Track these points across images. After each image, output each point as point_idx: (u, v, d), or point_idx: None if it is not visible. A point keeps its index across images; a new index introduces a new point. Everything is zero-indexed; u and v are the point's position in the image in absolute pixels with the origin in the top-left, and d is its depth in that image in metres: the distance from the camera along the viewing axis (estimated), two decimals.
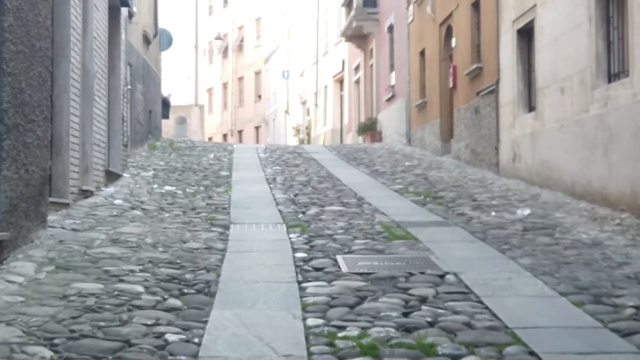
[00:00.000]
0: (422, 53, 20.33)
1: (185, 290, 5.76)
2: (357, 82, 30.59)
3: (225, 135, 57.21)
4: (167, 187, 12.39)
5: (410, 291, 5.81)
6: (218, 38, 48.75)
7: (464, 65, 16.16)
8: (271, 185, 13.02)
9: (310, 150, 20.68)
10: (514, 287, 5.95)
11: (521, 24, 12.66)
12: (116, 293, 5.54)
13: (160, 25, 24.65)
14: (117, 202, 10.31)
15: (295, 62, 43.62)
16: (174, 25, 39.92)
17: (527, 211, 9.52)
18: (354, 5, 26.88)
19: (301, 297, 5.67)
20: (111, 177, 12.78)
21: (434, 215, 9.66)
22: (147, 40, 20.38)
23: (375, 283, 6.08)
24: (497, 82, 13.79)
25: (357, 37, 28.29)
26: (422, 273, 6.40)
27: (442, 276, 6.31)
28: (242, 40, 54.39)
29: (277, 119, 47.95)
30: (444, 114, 18.33)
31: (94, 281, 5.87)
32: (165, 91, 26.91)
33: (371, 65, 27.72)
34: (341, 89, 34.73)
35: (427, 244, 7.67)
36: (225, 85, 57.23)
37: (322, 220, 9.27)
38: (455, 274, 6.33)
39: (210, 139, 58.72)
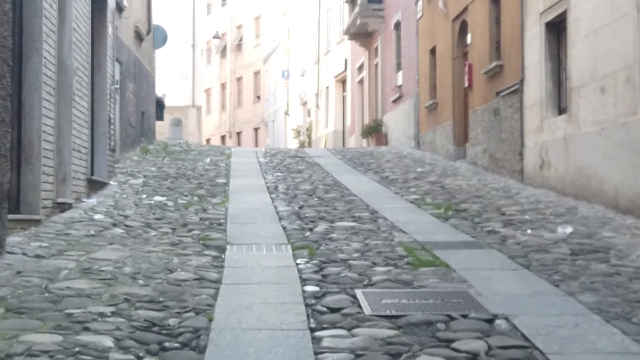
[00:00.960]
0: (433, 51, 19.06)
1: (166, 344, 4.48)
2: (361, 82, 29.35)
3: (223, 137, 55.99)
4: (157, 198, 11.11)
5: (455, 344, 4.54)
6: (216, 37, 47.51)
7: (482, 63, 14.89)
8: (273, 195, 11.75)
9: (313, 155, 19.43)
10: (585, 338, 4.67)
11: (551, 16, 11.40)
12: (77, 350, 4.27)
13: (155, 21, 23.44)
14: (97, 216, 9.02)
15: (295, 62, 42.38)
16: (171, 23, 38.64)
17: (568, 229, 8.25)
18: (358, 1, 25.61)
19: (316, 353, 4.40)
20: (95, 186, 11.51)
21: (461, 234, 8.39)
22: (139, 37, 19.12)
23: (409, 331, 4.82)
24: (522, 81, 12.52)
25: (361, 35, 27.03)
26: (464, 316, 5.12)
27: (490, 321, 5.03)
28: (240, 40, 53.15)
29: (276, 120, 46.70)
30: (457, 115, 17.08)
31: (52, 330, 4.59)
32: (159, 91, 25.66)
33: (376, 65, 26.46)
34: (343, 90, 33.48)
35: (462, 272, 6.40)
36: (223, 86, 56.00)
37: (332, 239, 8.00)
38: (506, 318, 5.05)
39: (208, 140, 57.51)
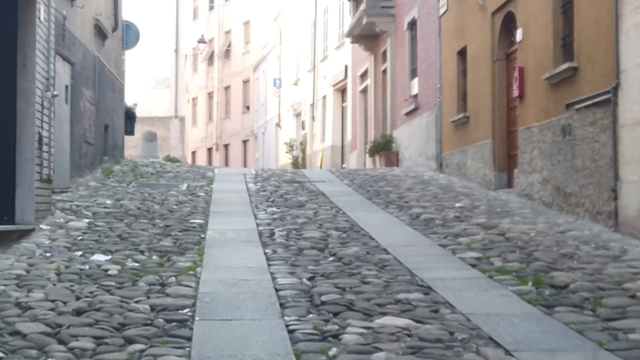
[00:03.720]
0: (462, 53, 15.56)
1: None
2: (364, 91, 25.82)
3: (210, 150, 52.51)
4: (97, 257, 7.51)
5: None
6: (201, 41, 43.89)
7: (540, 65, 11.38)
8: (267, 251, 8.16)
9: (314, 178, 15.87)
10: None
11: None
12: None
13: (127, 17, 19.96)
14: None
15: (288, 70, 38.86)
16: (152, 27, 35.20)
17: None
18: None
19: None
20: (9, 237, 7.91)
21: (602, 351, 4.83)
22: (101, 34, 15.54)
23: None
24: (615, 89, 8.99)
25: (367, 37, 23.50)
26: None
27: None
28: (229, 46, 49.62)
29: (267, 132, 43.14)
30: (498, 133, 13.56)
31: None
32: (132, 100, 22.06)
33: (383, 71, 22.94)
34: (343, 100, 29.95)
35: None
36: (210, 95, 52.45)
37: None
38: None
39: (193, 153, 53.98)
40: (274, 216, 10.73)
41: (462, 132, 15.41)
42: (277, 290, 6.34)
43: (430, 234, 9.31)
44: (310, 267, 7.29)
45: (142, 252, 7.87)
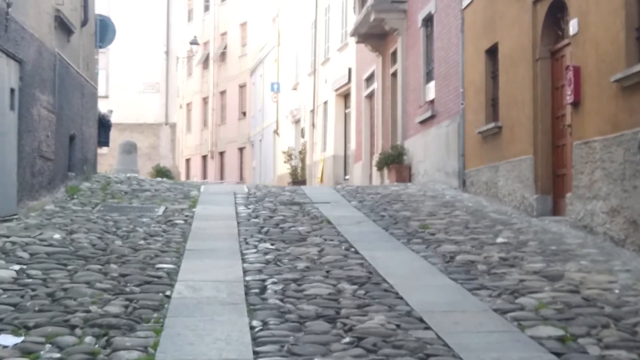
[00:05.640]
0: (492, 51, 13.17)
1: None
2: (370, 96, 23.44)
3: (204, 157, 50.27)
4: (1, 341, 5.08)
5: None
6: (194, 43, 41.49)
7: (606, 64, 8.98)
8: (255, 323, 5.72)
9: (317, 199, 13.49)
10: None
11: None
12: None
13: (114, 17, 17.65)
14: None
15: (286, 74, 36.51)
16: (144, 29, 32.87)
17: None
18: None
19: None
20: None
21: None
22: (65, 28, 13.14)
23: None
24: None
25: (374, 36, 21.12)
26: None
27: None
28: (225, 48, 47.29)
29: (264, 139, 40.79)
30: (542, 147, 11.17)
31: None
32: (113, 106, 19.62)
33: (393, 74, 20.55)
34: (346, 106, 27.57)
35: None
36: (205, 100, 50.19)
37: None
38: None
39: (187, 161, 51.68)
40: (267, 257, 8.31)
41: (492, 145, 13.00)
42: None
43: (477, 290, 6.88)
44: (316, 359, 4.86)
45: (72, 329, 5.43)
